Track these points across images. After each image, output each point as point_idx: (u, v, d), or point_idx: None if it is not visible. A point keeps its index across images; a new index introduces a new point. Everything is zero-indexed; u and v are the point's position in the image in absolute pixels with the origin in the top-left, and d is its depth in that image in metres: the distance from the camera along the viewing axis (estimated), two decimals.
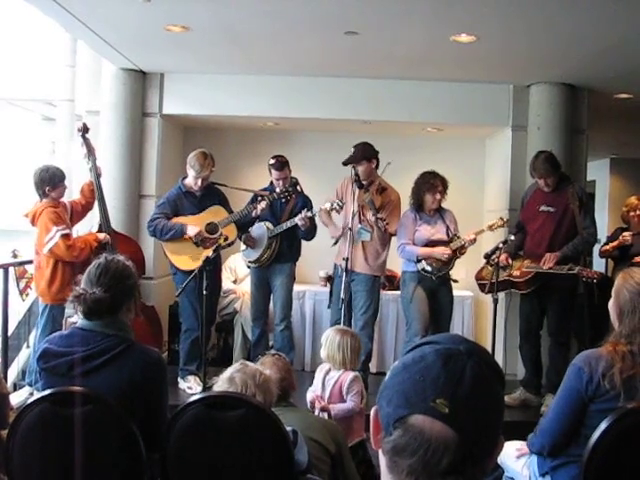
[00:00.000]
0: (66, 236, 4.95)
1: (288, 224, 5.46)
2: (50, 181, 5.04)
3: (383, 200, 5.47)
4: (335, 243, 5.55)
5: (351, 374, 3.68)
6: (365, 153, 5.40)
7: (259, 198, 5.49)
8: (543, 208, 5.27)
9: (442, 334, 1.17)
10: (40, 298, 5.19)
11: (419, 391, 1.02)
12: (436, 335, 1.14)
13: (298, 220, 5.37)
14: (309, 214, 5.37)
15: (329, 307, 5.62)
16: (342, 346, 3.68)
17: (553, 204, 5.24)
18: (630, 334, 2.59)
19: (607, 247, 6.12)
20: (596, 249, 6.52)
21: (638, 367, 2.51)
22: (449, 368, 1.03)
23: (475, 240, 5.30)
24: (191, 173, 5.34)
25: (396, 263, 5.88)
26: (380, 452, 1.09)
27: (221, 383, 2.55)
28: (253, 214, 5.42)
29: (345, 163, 5.36)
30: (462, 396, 1.01)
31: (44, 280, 5.03)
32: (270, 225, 5.57)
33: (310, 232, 5.55)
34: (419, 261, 5.33)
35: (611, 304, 2.72)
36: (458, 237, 5.35)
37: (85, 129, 5.38)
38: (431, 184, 5.34)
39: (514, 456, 3.03)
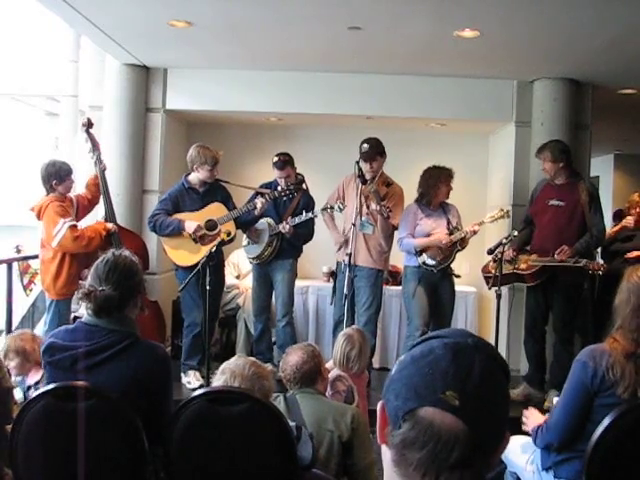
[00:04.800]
0: (73, 227, 4.95)
1: (281, 227, 5.48)
2: (56, 175, 5.04)
3: (388, 191, 5.48)
4: (339, 249, 5.54)
5: (335, 373, 3.58)
6: (379, 148, 5.42)
7: (258, 196, 5.49)
8: (553, 202, 5.26)
9: (449, 328, 1.17)
10: (46, 293, 5.19)
11: (428, 384, 1.02)
12: (443, 330, 1.14)
13: (281, 229, 5.41)
14: (292, 223, 5.41)
15: (331, 304, 5.62)
16: (336, 345, 3.68)
17: (563, 198, 5.23)
18: (625, 324, 2.62)
19: (610, 231, 6.07)
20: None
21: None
22: (458, 361, 1.03)
23: (476, 232, 5.29)
24: (205, 168, 5.30)
25: (399, 258, 5.88)
26: (384, 446, 1.08)
27: (218, 375, 2.56)
28: (253, 212, 5.39)
29: (364, 160, 5.33)
30: (471, 389, 1.01)
31: (49, 275, 5.03)
32: (272, 222, 5.58)
33: (302, 236, 5.58)
34: (420, 255, 5.33)
35: (616, 300, 2.73)
36: (458, 229, 5.35)
37: (89, 124, 5.40)
38: (447, 175, 5.38)
39: (519, 450, 3.05)
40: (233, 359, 2.62)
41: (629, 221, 5.88)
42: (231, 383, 2.48)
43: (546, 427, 2.80)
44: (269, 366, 5.04)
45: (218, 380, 2.54)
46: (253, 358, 2.69)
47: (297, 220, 5.45)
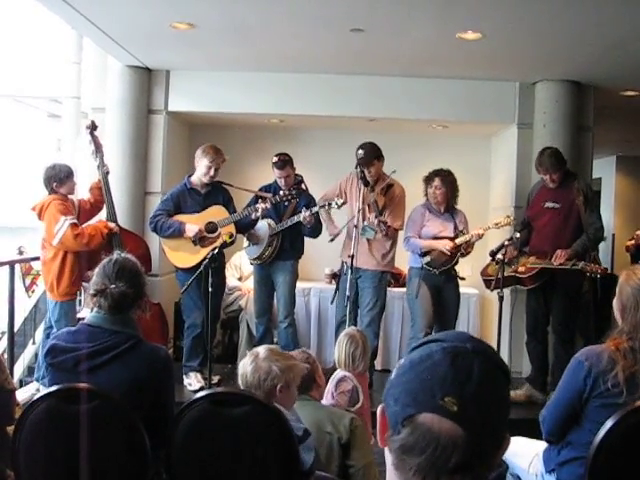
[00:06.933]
0: (74, 225, 4.95)
1: (289, 222, 5.46)
2: (56, 177, 5.06)
3: (387, 199, 5.48)
4: (332, 240, 5.53)
5: (340, 373, 3.59)
6: (375, 153, 5.40)
7: (260, 200, 5.47)
8: (549, 204, 5.28)
9: (448, 332, 1.17)
10: (49, 295, 5.18)
11: (427, 389, 1.02)
12: (442, 333, 1.14)
13: (302, 218, 5.37)
14: (313, 210, 5.36)
15: (332, 303, 5.61)
16: (339, 346, 3.68)
17: (558, 200, 5.25)
18: (632, 330, 2.59)
19: (629, 243, 6.09)
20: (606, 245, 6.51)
21: (639, 364, 2.52)
22: (457, 366, 1.03)
23: (481, 235, 5.29)
24: (204, 162, 5.30)
25: (402, 261, 5.88)
26: (386, 450, 1.09)
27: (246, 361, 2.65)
28: (253, 216, 5.38)
29: (361, 166, 5.31)
30: (470, 394, 1.01)
31: (52, 275, 5.03)
32: (272, 223, 5.57)
33: (315, 229, 5.55)
34: (424, 255, 5.34)
35: (614, 301, 2.73)
36: (464, 233, 5.36)
37: (93, 126, 5.39)
38: (428, 178, 5.47)
39: (521, 452, 3.05)
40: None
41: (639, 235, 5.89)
42: (251, 360, 2.62)
43: (541, 419, 2.85)
44: None
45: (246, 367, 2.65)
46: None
47: (313, 210, 5.40)
